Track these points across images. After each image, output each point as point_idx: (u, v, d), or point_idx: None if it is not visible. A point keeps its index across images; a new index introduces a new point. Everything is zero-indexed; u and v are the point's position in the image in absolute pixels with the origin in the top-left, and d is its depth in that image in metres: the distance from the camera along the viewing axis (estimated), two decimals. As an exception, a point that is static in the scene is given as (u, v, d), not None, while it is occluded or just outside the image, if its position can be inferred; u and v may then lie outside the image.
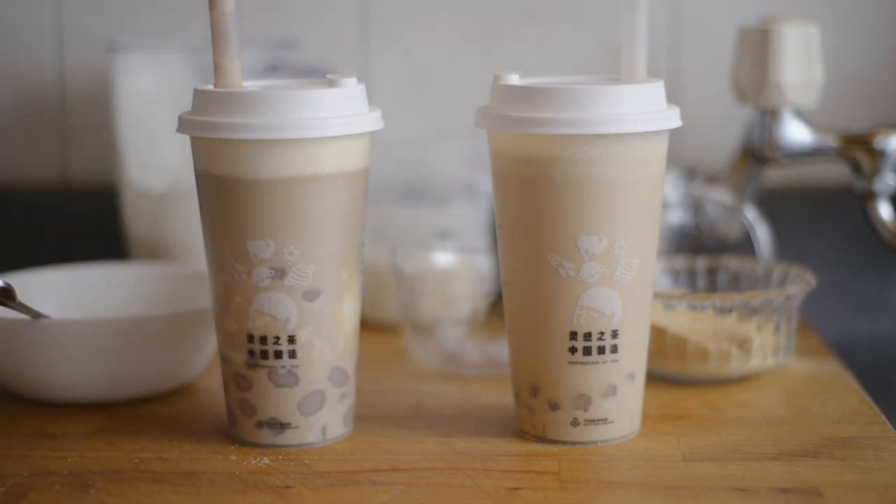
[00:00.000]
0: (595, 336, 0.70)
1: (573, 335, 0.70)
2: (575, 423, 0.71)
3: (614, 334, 0.70)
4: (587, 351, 0.70)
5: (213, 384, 0.81)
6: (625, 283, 0.69)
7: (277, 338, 0.70)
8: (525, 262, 0.70)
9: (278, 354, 0.70)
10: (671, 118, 0.69)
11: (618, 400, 0.71)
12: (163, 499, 0.64)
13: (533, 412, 0.72)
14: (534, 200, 0.69)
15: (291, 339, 0.70)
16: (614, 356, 0.70)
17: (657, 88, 0.69)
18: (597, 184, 0.68)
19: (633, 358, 0.71)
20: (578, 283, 0.69)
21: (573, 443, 0.71)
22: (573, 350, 0.70)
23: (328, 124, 0.68)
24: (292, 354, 0.70)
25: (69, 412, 0.77)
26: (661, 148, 0.70)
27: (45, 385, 0.78)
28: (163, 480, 0.67)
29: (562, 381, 0.70)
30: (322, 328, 0.70)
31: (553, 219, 0.68)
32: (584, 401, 0.71)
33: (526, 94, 0.68)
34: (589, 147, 0.67)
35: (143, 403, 0.79)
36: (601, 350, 0.70)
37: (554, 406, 0.71)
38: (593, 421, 0.71)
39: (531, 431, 0.72)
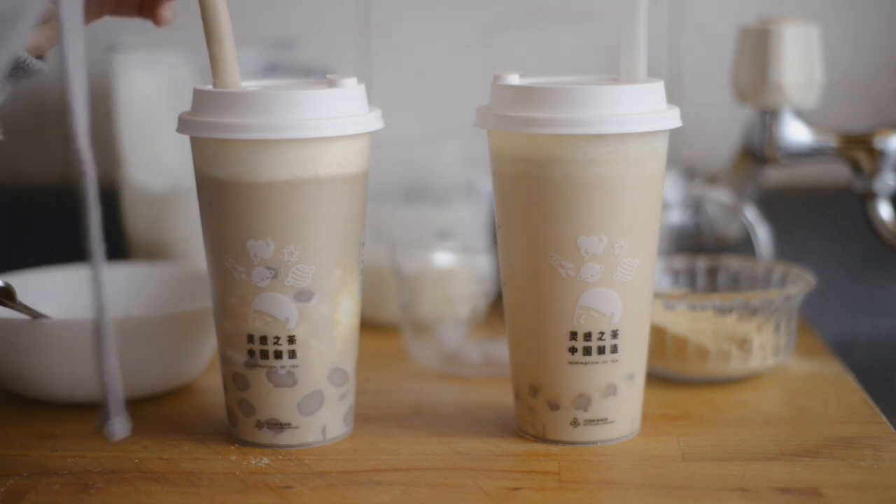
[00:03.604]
0: (595, 336, 0.70)
1: (573, 335, 0.70)
2: (575, 423, 0.71)
3: (614, 334, 0.70)
4: (587, 351, 0.70)
5: (213, 384, 0.81)
6: (625, 283, 0.69)
7: (277, 338, 0.70)
8: (525, 261, 0.70)
9: (278, 354, 0.70)
10: (671, 118, 0.69)
11: (618, 400, 0.71)
12: (163, 499, 0.64)
13: (533, 412, 0.72)
14: (534, 200, 0.69)
15: (291, 340, 0.70)
16: (614, 356, 0.70)
17: (657, 88, 0.69)
18: (597, 184, 0.68)
19: (633, 358, 0.71)
20: (578, 283, 0.69)
21: (573, 443, 0.71)
22: (573, 350, 0.70)
23: (328, 124, 0.68)
24: (292, 354, 0.70)
25: (69, 412, 0.77)
26: (662, 148, 0.70)
27: (45, 385, 0.78)
28: (163, 480, 0.67)
29: (562, 381, 0.70)
30: (321, 328, 0.70)
31: (553, 219, 0.68)
32: (583, 401, 0.71)
33: (526, 94, 0.68)
34: (589, 147, 0.67)
35: (143, 403, 0.79)
36: (601, 350, 0.70)
37: (554, 406, 0.71)
38: (593, 421, 0.71)
39: (531, 431, 0.72)
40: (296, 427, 0.71)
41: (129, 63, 0.99)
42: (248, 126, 0.67)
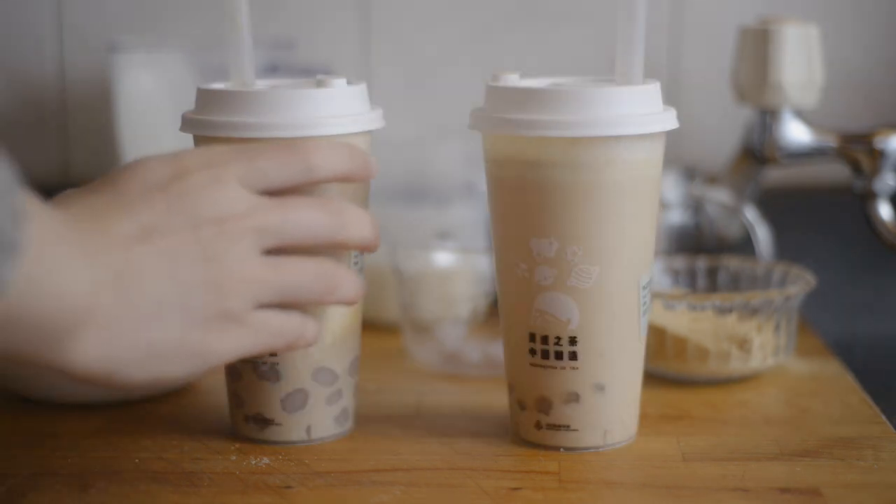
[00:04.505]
0: (552, 340, 0.69)
1: (532, 337, 0.69)
2: (538, 425, 0.70)
3: (572, 341, 0.68)
4: (545, 354, 0.69)
5: (214, 384, 0.81)
6: (582, 289, 0.68)
7: None
8: (498, 260, 0.70)
9: None
10: (667, 120, 0.67)
11: (582, 409, 0.69)
12: (163, 499, 0.64)
13: (512, 410, 0.72)
14: (502, 201, 0.69)
15: None
16: (573, 363, 0.68)
17: (647, 91, 0.68)
18: (549, 187, 0.66)
19: (601, 369, 0.69)
20: (534, 284, 0.68)
21: (537, 445, 0.70)
22: (533, 352, 0.69)
23: (325, 123, 0.68)
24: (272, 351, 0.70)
25: (69, 412, 0.77)
26: (622, 157, 0.66)
27: (45, 385, 0.78)
28: (163, 480, 0.67)
29: (525, 382, 0.70)
30: None
31: (512, 220, 0.68)
32: (545, 404, 0.70)
33: (506, 96, 0.68)
34: (542, 150, 0.66)
35: (143, 403, 0.79)
36: (558, 355, 0.69)
37: (522, 405, 0.71)
38: (555, 426, 0.70)
39: (512, 429, 0.72)
40: (279, 424, 0.71)
41: (129, 63, 1.00)
42: (248, 125, 0.67)
